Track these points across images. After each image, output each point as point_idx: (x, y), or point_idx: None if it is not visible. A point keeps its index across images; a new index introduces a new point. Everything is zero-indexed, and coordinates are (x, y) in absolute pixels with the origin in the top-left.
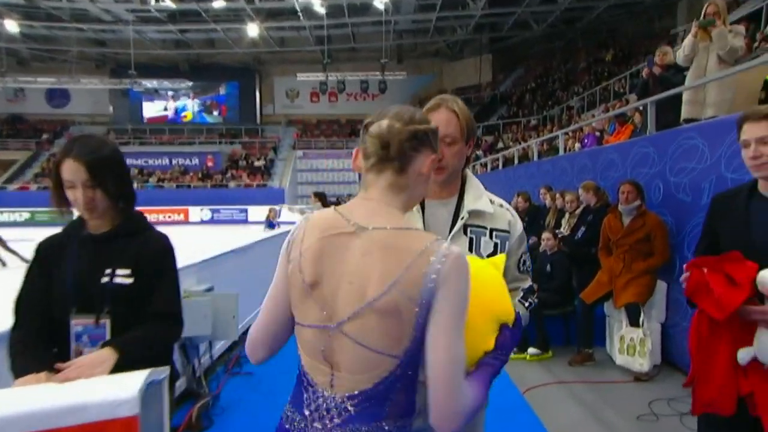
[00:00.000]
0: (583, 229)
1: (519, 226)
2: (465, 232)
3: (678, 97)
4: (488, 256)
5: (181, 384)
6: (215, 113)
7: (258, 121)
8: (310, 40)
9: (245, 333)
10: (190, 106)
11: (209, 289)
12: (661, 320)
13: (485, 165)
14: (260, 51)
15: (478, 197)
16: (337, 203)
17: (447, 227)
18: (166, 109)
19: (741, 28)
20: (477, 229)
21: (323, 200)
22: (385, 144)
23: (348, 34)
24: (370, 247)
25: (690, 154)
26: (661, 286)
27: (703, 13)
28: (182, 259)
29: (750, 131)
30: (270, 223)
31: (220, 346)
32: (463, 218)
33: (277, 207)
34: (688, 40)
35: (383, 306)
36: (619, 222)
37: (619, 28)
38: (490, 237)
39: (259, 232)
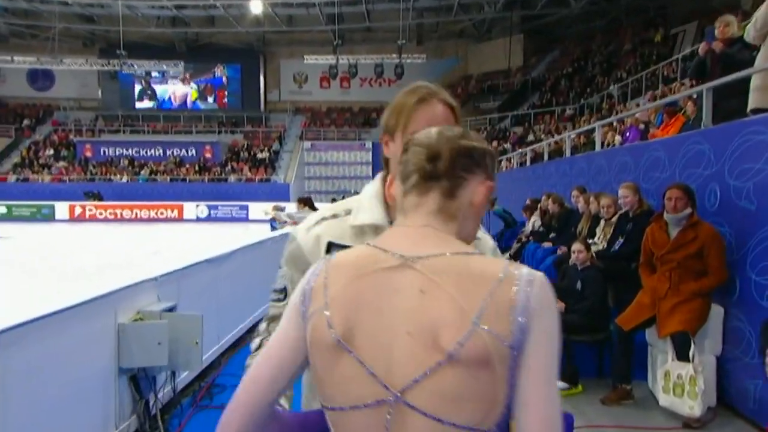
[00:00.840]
0: (620, 240)
1: (498, 254)
2: None
3: (744, 82)
4: None
5: (130, 425)
6: (213, 99)
7: (262, 108)
8: (320, 19)
9: (218, 361)
10: (187, 90)
11: (171, 309)
12: (717, 353)
13: (511, 160)
14: (265, 30)
15: None
16: (305, 200)
17: None
18: (156, 95)
19: None
20: None
21: (311, 205)
22: (434, 155)
23: (362, 12)
24: (429, 279)
25: (756, 153)
26: (717, 311)
27: None
28: (160, 263)
29: None
30: (273, 224)
31: (185, 376)
32: None
33: (282, 204)
34: (763, 11)
35: (470, 354)
36: (664, 233)
37: (669, 4)
38: None
39: (263, 232)
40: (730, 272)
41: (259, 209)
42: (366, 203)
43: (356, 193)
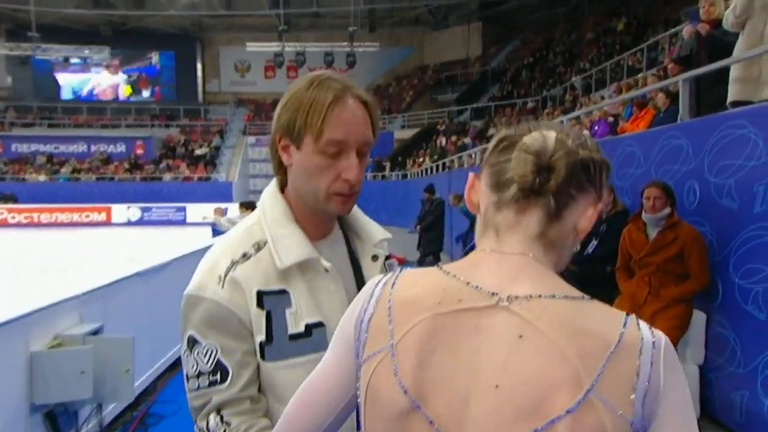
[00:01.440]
0: (594, 242)
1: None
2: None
3: (721, 73)
4: None
5: None
6: (150, 92)
7: (200, 100)
8: (263, 2)
9: (152, 387)
10: (116, 80)
11: (96, 331)
12: (699, 362)
13: (472, 156)
14: (201, 14)
15: (364, 216)
16: (247, 204)
17: (351, 280)
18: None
19: None
20: (384, 268)
21: (252, 209)
22: (546, 167)
23: None
24: (531, 326)
25: (738, 148)
26: (699, 317)
27: None
28: (77, 281)
29: None
30: (215, 229)
31: (113, 408)
32: (376, 258)
33: (224, 206)
34: None
35: (579, 425)
36: (642, 235)
37: None
38: (388, 271)
39: (204, 238)
40: (712, 275)
41: (199, 212)
42: (279, 231)
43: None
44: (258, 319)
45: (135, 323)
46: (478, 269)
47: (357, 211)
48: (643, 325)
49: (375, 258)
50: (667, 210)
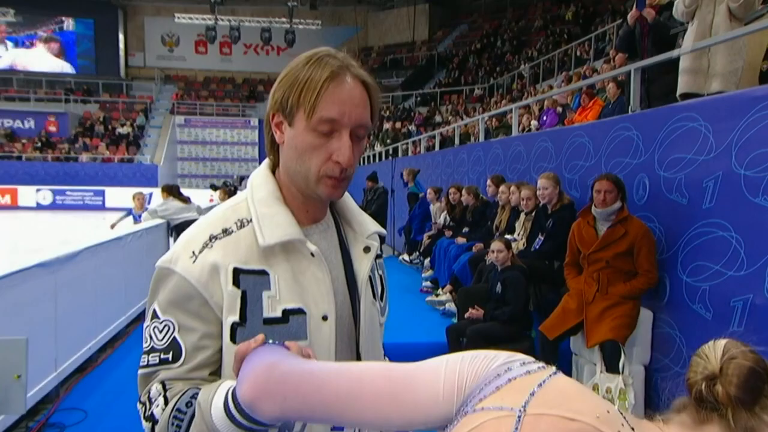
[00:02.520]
0: (540, 237)
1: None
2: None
3: (671, 63)
4: (381, 297)
5: None
6: (58, 60)
7: (122, 74)
8: None
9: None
10: (23, 47)
11: None
12: (645, 362)
13: (417, 144)
14: None
15: (357, 209)
16: (227, 187)
17: (340, 269)
18: None
19: None
20: (374, 262)
21: (176, 194)
22: (713, 372)
23: None
24: None
25: (688, 141)
26: (646, 316)
27: None
28: None
29: None
30: (134, 215)
31: (3, 418)
32: (368, 250)
33: (144, 192)
34: None
35: None
36: (592, 230)
37: None
38: (378, 269)
39: (125, 224)
40: (660, 273)
41: (119, 196)
42: (266, 210)
43: (240, 178)
44: (232, 298)
45: (34, 321)
46: None
47: (350, 201)
48: None
49: (367, 250)
50: (618, 204)
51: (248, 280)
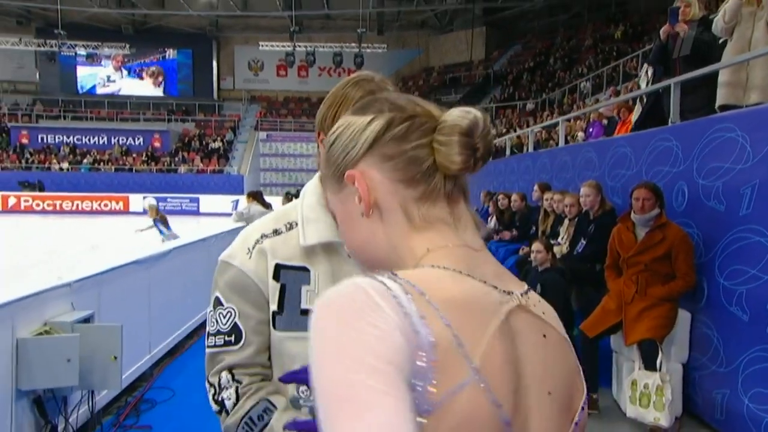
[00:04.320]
0: (583, 242)
1: None
2: None
3: (708, 77)
4: None
5: None
6: (164, 86)
7: (215, 96)
8: (276, 4)
9: (149, 374)
10: (135, 75)
11: (87, 319)
12: (683, 360)
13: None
14: (218, 14)
15: None
16: (297, 196)
17: None
18: (109, 79)
19: None
20: None
21: (260, 199)
22: (474, 147)
23: None
24: (545, 324)
25: (726, 151)
26: (684, 316)
27: None
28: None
29: None
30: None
31: (106, 393)
32: None
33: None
34: (731, 2)
35: (584, 418)
36: (631, 235)
37: (630, 0)
38: None
39: (217, 226)
40: (698, 276)
41: (212, 203)
42: (311, 215)
43: None
44: (273, 290)
45: (131, 311)
46: (476, 267)
47: None
48: None
49: None
50: (656, 211)
51: (288, 275)
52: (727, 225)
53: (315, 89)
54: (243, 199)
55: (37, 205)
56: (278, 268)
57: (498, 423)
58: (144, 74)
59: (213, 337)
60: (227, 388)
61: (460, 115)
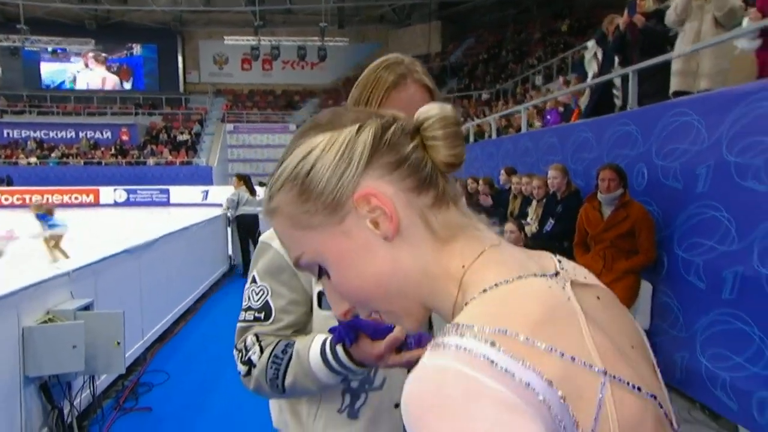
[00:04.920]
0: (551, 221)
1: None
2: None
3: (662, 66)
4: None
5: None
6: (132, 82)
7: (181, 90)
8: None
9: (142, 358)
10: (99, 71)
11: (87, 307)
12: (646, 327)
13: None
14: (182, 10)
15: None
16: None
17: None
18: (74, 77)
19: None
20: None
21: (247, 183)
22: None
23: None
24: (593, 289)
25: (682, 134)
26: (646, 288)
27: None
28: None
29: None
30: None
31: (105, 377)
32: None
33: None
34: None
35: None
36: (598, 213)
37: None
38: None
39: (188, 217)
40: (658, 250)
41: (181, 193)
42: None
43: None
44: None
45: (124, 298)
46: (517, 264)
47: None
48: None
49: None
50: (620, 191)
51: None
52: (685, 202)
53: (279, 82)
54: (213, 191)
55: (6, 199)
56: None
57: (648, 404)
58: (111, 68)
59: (244, 312)
60: (252, 348)
61: (438, 108)
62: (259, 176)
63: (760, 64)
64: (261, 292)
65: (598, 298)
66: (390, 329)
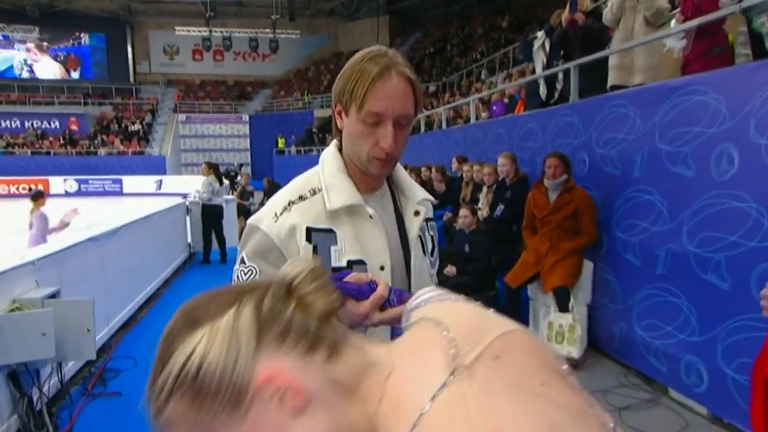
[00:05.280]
0: (501, 206)
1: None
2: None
3: (600, 61)
4: (431, 253)
5: (9, 427)
6: (80, 71)
7: (131, 80)
8: None
9: (108, 345)
10: (45, 59)
11: (54, 295)
12: (588, 302)
13: None
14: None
15: (409, 179)
16: (228, 174)
17: (394, 229)
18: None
19: None
20: (424, 224)
21: (216, 171)
22: None
23: None
24: None
25: (619, 124)
26: (587, 266)
27: None
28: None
29: None
30: None
31: (74, 364)
32: (418, 213)
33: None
34: None
35: None
36: (544, 198)
37: None
38: (429, 230)
39: (145, 206)
40: (599, 231)
41: (134, 183)
42: (334, 181)
43: (240, 165)
44: (306, 251)
45: (89, 285)
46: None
47: (403, 173)
48: None
49: (417, 213)
50: (564, 177)
51: (318, 237)
52: (622, 187)
53: (231, 72)
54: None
55: None
56: (309, 231)
57: None
58: (58, 57)
59: None
60: None
61: (303, 263)
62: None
63: (684, 60)
64: (250, 272)
65: (497, 357)
66: (373, 289)
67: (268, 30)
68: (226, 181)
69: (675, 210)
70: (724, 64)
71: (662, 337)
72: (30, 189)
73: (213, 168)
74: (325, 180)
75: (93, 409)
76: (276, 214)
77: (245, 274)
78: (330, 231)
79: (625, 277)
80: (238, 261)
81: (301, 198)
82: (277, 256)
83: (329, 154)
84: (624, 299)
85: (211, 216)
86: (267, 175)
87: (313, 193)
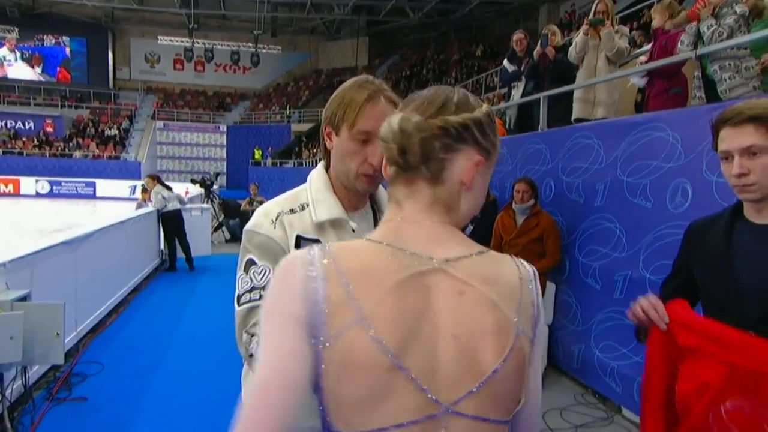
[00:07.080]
0: (470, 227)
1: None
2: None
3: (567, 93)
4: None
5: None
6: (53, 71)
7: (110, 85)
8: (173, 1)
9: (75, 349)
10: (25, 60)
11: (24, 298)
12: (548, 322)
13: None
14: (114, 6)
15: None
16: (204, 183)
17: None
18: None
19: (626, 29)
20: None
21: (160, 181)
22: (402, 149)
23: (217, 0)
24: (464, 283)
25: (584, 154)
26: (550, 287)
27: (593, 10)
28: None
29: (730, 139)
30: None
31: (37, 368)
32: None
33: None
34: (580, 37)
35: (517, 357)
36: (512, 221)
37: (488, 25)
38: None
39: (118, 210)
40: (562, 255)
41: (108, 186)
42: (320, 197)
43: (216, 174)
44: None
45: (60, 290)
46: (402, 237)
47: (385, 195)
48: (520, 260)
49: None
50: (532, 201)
51: (306, 245)
52: (585, 214)
53: (211, 83)
54: (141, 185)
55: None
56: (299, 238)
57: (382, 356)
58: (36, 58)
59: (248, 294)
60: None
61: (384, 125)
62: (188, 173)
63: (647, 96)
64: (263, 272)
65: (461, 293)
66: None
67: (250, 44)
68: (192, 188)
69: (633, 238)
70: (681, 104)
71: (618, 358)
72: None
73: (155, 178)
74: (312, 195)
75: (56, 414)
76: (272, 220)
77: (259, 274)
78: (317, 241)
79: (585, 300)
80: (244, 265)
81: (292, 211)
82: (284, 255)
83: (316, 173)
84: (583, 321)
85: (171, 222)
86: (243, 185)
87: (302, 208)
